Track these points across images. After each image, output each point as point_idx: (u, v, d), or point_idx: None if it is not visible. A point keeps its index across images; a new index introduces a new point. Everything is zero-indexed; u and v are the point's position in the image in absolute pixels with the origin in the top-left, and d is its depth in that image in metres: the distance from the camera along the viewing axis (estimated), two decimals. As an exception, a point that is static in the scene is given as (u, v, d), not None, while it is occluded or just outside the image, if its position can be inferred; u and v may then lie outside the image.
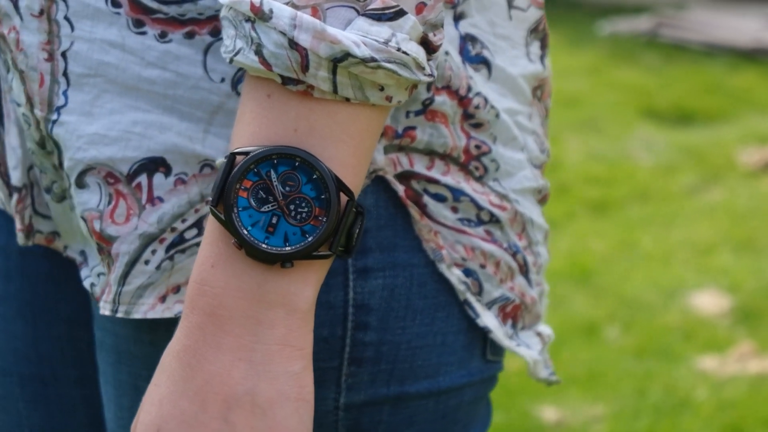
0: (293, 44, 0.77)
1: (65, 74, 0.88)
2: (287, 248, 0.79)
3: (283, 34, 0.77)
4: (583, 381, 3.05)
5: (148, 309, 0.89)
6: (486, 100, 0.93)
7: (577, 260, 3.80)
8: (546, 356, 1.03)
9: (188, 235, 0.88)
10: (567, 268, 3.71)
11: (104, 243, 0.89)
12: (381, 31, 0.78)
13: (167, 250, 0.88)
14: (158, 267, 0.88)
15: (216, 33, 0.86)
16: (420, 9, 0.80)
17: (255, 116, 0.79)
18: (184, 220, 0.87)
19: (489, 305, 0.95)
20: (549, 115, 1.03)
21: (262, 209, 0.80)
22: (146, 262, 0.88)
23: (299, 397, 0.80)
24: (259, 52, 0.78)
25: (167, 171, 0.87)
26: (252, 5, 0.77)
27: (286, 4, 0.78)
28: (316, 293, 0.81)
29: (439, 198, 0.92)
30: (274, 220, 0.79)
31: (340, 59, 0.77)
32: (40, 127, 0.91)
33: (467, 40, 0.92)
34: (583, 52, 6.64)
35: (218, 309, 0.79)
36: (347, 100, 0.79)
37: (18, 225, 0.98)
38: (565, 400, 2.98)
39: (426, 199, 0.91)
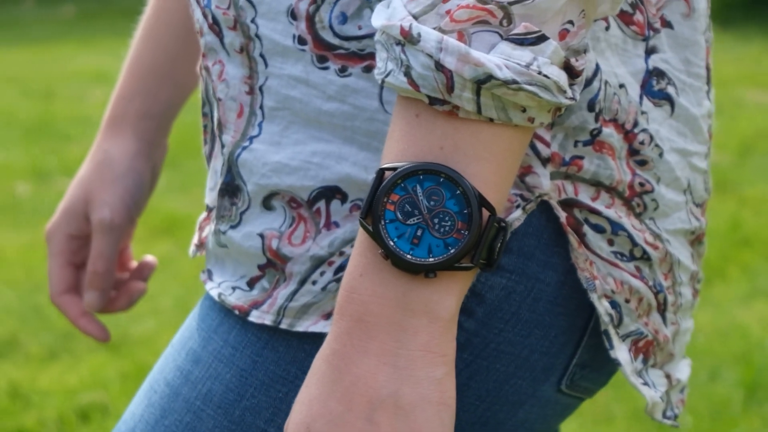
0: (439, 66, 0.82)
1: (261, 107, 0.96)
2: (431, 259, 0.83)
3: (430, 56, 0.82)
4: None
5: (310, 324, 0.95)
6: (651, 138, 0.96)
7: None
8: (672, 398, 1.04)
9: None
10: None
11: (279, 261, 0.95)
12: (523, 55, 0.82)
13: (335, 272, 0.94)
14: (324, 288, 0.94)
15: None
16: (563, 35, 0.84)
17: (404, 134, 0.84)
18: (353, 245, 0.92)
19: (624, 338, 0.98)
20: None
21: (408, 222, 0.84)
22: (314, 283, 0.95)
23: (441, 401, 0.84)
24: (408, 74, 0.83)
25: (343, 198, 0.93)
26: (402, 29, 0.83)
27: (434, 28, 0.82)
28: (458, 303, 0.85)
29: (599, 229, 0.95)
30: (418, 233, 0.84)
31: (483, 81, 0.82)
32: (224, 152, 0.98)
33: (654, 74, 0.96)
34: None
35: (365, 315, 0.84)
36: (491, 120, 0.83)
37: (195, 239, 1.07)
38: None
39: (586, 228, 0.95)
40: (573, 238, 0.94)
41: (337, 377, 0.84)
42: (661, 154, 0.97)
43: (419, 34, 0.82)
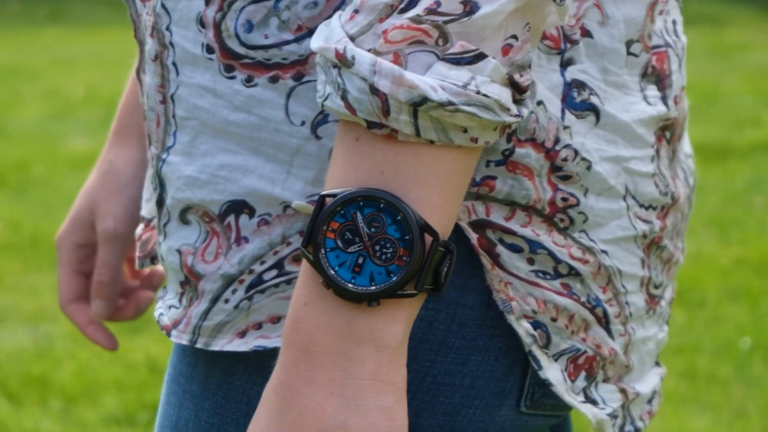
0: (374, 90, 0.80)
1: (174, 116, 0.94)
2: (372, 287, 0.82)
3: (365, 80, 0.80)
4: None
5: (225, 343, 0.93)
6: (576, 152, 0.92)
7: None
8: (632, 412, 1.00)
9: (267, 276, 0.91)
10: None
11: (193, 278, 0.94)
12: (460, 74, 0.80)
13: (246, 290, 0.92)
14: (236, 306, 0.93)
15: (299, 77, 0.90)
16: (506, 51, 0.81)
17: (344, 159, 0.83)
18: (262, 262, 0.91)
19: (556, 357, 0.94)
20: (677, 158, 1.01)
21: (349, 250, 0.82)
22: (226, 301, 0.93)
23: (391, 429, 0.82)
24: (344, 98, 0.81)
25: (251, 212, 0.91)
26: (336, 52, 0.81)
27: (369, 50, 0.80)
28: (406, 330, 0.83)
29: (515, 248, 0.91)
30: (360, 261, 0.82)
31: (419, 103, 0.79)
32: (153, 164, 0.97)
33: (573, 86, 0.92)
34: None
35: (311, 345, 0.82)
36: (431, 142, 0.81)
37: (138, 252, 1.06)
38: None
39: (500, 248, 0.91)
40: (486, 260, 0.91)
41: (285, 408, 0.83)
42: (589, 167, 0.92)
43: (353, 57, 0.80)
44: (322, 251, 0.82)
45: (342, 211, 0.82)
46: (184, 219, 0.95)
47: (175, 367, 1.01)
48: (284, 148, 0.90)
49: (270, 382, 0.85)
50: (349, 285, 0.82)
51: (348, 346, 0.82)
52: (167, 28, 0.94)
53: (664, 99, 0.98)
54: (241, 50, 0.91)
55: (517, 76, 0.81)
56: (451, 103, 0.79)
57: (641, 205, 0.97)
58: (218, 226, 0.93)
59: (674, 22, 1.02)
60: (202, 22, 0.92)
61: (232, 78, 0.91)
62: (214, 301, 0.93)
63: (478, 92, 0.80)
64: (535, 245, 0.92)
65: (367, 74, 0.80)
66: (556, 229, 0.92)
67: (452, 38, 0.80)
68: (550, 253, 0.92)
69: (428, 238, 0.82)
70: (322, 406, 0.82)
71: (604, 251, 0.94)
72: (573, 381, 0.95)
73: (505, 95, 0.81)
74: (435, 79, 0.79)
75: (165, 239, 0.96)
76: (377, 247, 0.82)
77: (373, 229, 0.82)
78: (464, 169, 0.83)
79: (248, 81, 0.91)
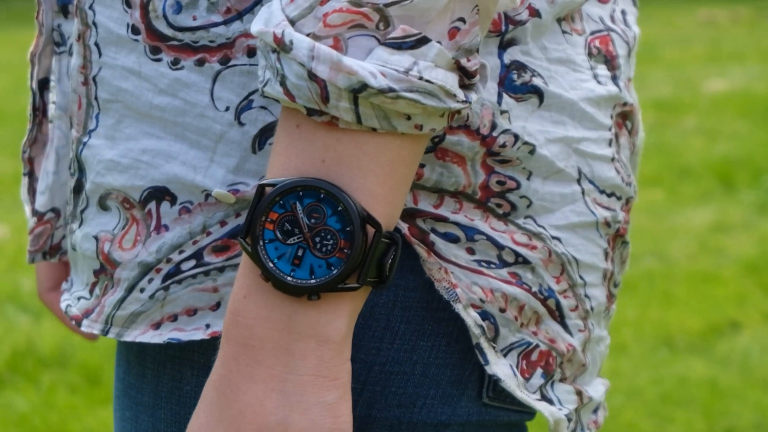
0: (312, 76, 0.77)
1: (96, 98, 0.91)
2: (312, 281, 0.79)
3: (302, 65, 0.77)
4: None
5: (139, 334, 0.90)
6: (516, 137, 0.88)
7: None
8: (582, 418, 0.96)
9: (185, 266, 0.88)
10: None
11: (109, 266, 0.91)
12: (401, 60, 0.77)
13: (163, 280, 0.89)
14: (152, 296, 0.89)
15: (225, 61, 0.86)
16: (453, 34, 0.78)
17: (285, 147, 0.79)
18: (181, 252, 0.88)
19: (505, 351, 0.90)
20: (639, 153, 0.98)
21: (288, 242, 0.79)
22: (141, 290, 0.90)
23: (334, 426, 0.80)
24: (283, 83, 0.78)
25: (172, 200, 0.88)
26: (275, 36, 0.78)
27: (309, 35, 0.77)
28: (349, 324, 0.80)
29: (450, 237, 0.88)
30: (299, 253, 0.79)
31: (358, 90, 0.76)
32: (73, 148, 0.94)
33: (512, 68, 0.89)
34: None
35: (250, 340, 0.80)
36: (374, 130, 0.78)
37: (30, 246, 1.03)
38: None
39: (433, 237, 0.88)
40: (421, 249, 0.88)
41: (225, 404, 0.80)
42: (532, 151, 0.89)
43: (291, 42, 0.77)
44: (261, 243, 0.79)
45: (281, 201, 0.79)
46: (103, 205, 0.91)
47: (122, 381, 0.97)
48: (208, 134, 0.87)
49: (210, 377, 0.82)
50: (288, 278, 0.79)
51: (289, 341, 0.79)
52: (90, 7, 0.90)
53: (614, 79, 0.95)
54: (168, 32, 0.87)
55: (464, 61, 0.79)
56: (391, 90, 0.76)
57: (601, 191, 0.94)
58: (138, 213, 0.89)
59: (623, 12, 0.99)
60: (127, 2, 0.88)
61: (158, 60, 0.88)
62: (130, 290, 0.90)
63: (420, 78, 0.77)
64: (470, 231, 0.88)
65: (305, 59, 0.77)
66: (494, 215, 0.89)
67: (394, 22, 0.77)
68: (490, 239, 0.89)
69: (371, 230, 0.79)
70: (263, 402, 0.79)
71: (555, 237, 0.91)
72: (528, 378, 0.91)
73: (450, 80, 0.78)
74: (375, 65, 0.76)
75: (81, 226, 0.93)
76: (317, 239, 0.79)
77: (313, 220, 0.79)
78: (410, 158, 0.80)
79: (174, 64, 0.87)
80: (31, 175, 1.06)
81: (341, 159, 0.78)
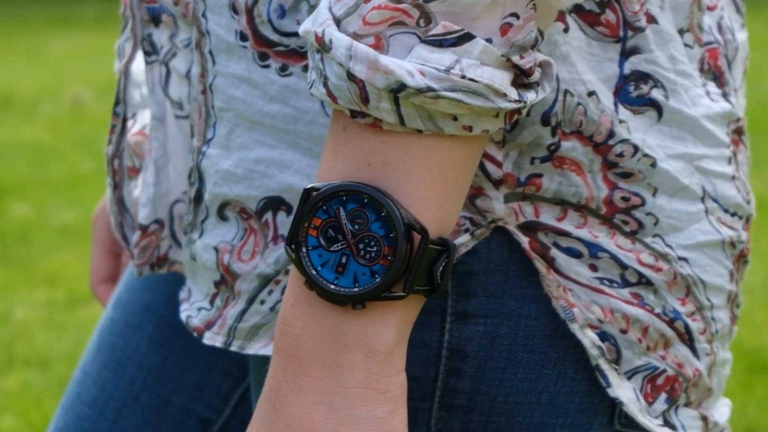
0: (351, 76, 0.73)
1: (213, 107, 0.89)
2: (356, 289, 0.76)
3: (341, 65, 0.74)
4: None
5: (261, 347, 0.89)
6: (636, 148, 0.84)
7: None
8: None
9: None
10: None
11: (229, 277, 0.89)
12: (442, 57, 0.73)
13: (283, 292, 0.87)
14: (272, 308, 0.88)
15: None
16: (505, 30, 0.74)
17: (332, 150, 0.77)
18: None
19: (629, 374, 0.86)
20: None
21: (332, 248, 0.76)
22: (262, 302, 0.88)
23: None
24: (326, 84, 0.75)
25: (288, 210, 0.86)
26: (316, 36, 0.75)
27: (351, 34, 0.74)
28: (400, 334, 0.77)
29: (573, 253, 0.84)
30: (343, 260, 0.76)
31: (397, 90, 0.73)
32: (194, 157, 0.92)
33: (630, 79, 0.84)
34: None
35: (298, 350, 0.77)
36: (419, 131, 0.74)
37: (137, 260, 1.00)
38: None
39: (554, 252, 0.84)
40: (540, 264, 0.84)
41: (274, 417, 0.78)
42: (654, 164, 0.84)
43: (330, 41, 0.74)
44: (304, 249, 0.77)
45: (324, 207, 0.76)
46: (222, 215, 0.90)
47: (259, 383, 0.95)
48: (321, 142, 0.85)
49: (263, 389, 0.79)
50: (332, 286, 0.76)
51: (335, 352, 0.76)
52: (203, 15, 0.89)
53: (725, 96, 0.90)
54: (274, 37, 0.85)
55: (516, 58, 0.74)
56: (430, 89, 0.72)
57: (725, 210, 0.89)
58: (256, 223, 0.88)
59: (729, 19, 0.93)
60: (234, 8, 0.87)
61: (267, 67, 0.86)
62: (250, 302, 0.88)
63: (463, 76, 0.73)
64: (594, 248, 0.85)
65: (343, 59, 0.73)
66: (621, 232, 0.85)
67: (435, 18, 0.73)
68: (614, 257, 0.85)
69: (417, 237, 0.75)
70: (310, 415, 0.77)
71: (683, 258, 0.87)
72: (651, 403, 0.87)
73: (499, 79, 0.74)
74: (414, 64, 0.73)
75: (201, 236, 0.91)
76: (361, 246, 0.76)
77: (357, 226, 0.76)
78: (462, 160, 0.76)
79: (283, 70, 0.85)
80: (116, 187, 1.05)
81: (387, 162, 0.75)
